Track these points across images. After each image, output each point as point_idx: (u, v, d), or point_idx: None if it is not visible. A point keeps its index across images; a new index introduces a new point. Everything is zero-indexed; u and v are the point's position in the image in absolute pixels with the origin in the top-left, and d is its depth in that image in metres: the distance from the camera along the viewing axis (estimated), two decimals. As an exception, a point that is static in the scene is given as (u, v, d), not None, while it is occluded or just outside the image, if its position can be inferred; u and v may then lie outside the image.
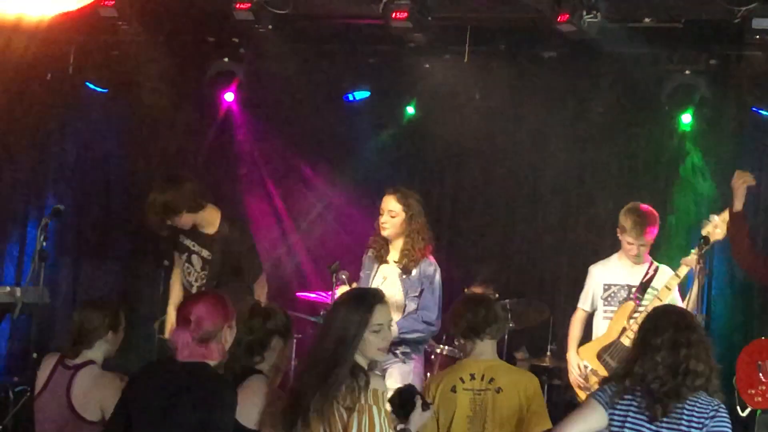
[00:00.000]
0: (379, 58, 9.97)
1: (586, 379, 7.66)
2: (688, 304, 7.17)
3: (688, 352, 4.79)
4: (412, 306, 7.33)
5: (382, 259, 7.51)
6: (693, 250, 7.32)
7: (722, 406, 4.80)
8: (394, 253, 7.48)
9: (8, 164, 10.98)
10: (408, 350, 7.34)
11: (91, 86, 10.60)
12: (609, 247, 8.98)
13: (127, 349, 6.20)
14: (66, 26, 9.03)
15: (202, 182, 7.94)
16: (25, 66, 9.85)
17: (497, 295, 8.89)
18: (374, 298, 5.01)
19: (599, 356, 7.62)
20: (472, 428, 5.75)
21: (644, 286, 7.55)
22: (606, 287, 7.75)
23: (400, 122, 10.39)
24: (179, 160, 10.46)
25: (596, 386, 7.47)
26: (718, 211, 7.40)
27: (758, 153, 9.41)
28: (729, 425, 4.78)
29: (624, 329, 7.48)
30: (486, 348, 5.91)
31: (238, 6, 8.24)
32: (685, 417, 4.73)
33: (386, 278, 7.45)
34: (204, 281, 7.83)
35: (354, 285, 7.48)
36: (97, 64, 10.40)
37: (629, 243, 7.65)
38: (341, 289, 7.39)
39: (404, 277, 7.38)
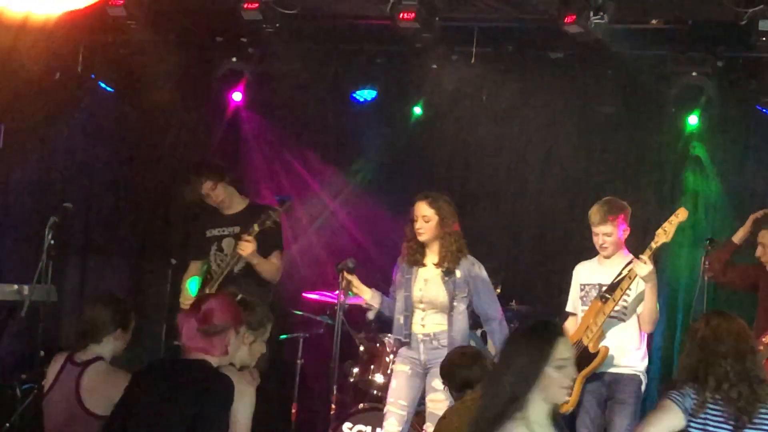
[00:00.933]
0: (387, 58, 9.98)
1: None
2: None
3: (753, 359, 4.88)
4: (462, 307, 7.45)
5: (419, 263, 7.57)
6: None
7: None
8: (431, 255, 7.56)
9: (17, 162, 11.01)
10: None
11: (101, 85, 10.61)
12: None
13: (133, 346, 6.21)
14: (75, 25, 9.06)
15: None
16: (34, 65, 9.87)
17: (499, 290, 8.92)
18: (556, 329, 4.48)
19: None
20: None
21: (613, 286, 7.43)
22: (581, 287, 7.67)
23: (407, 122, 10.39)
24: (187, 159, 10.46)
25: None
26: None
27: (764, 154, 9.42)
28: None
29: (587, 328, 7.41)
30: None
31: (246, 6, 8.26)
32: (765, 424, 4.81)
33: (427, 281, 7.54)
34: (238, 260, 8.01)
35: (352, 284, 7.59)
36: (106, 63, 10.43)
37: (594, 234, 7.53)
38: (353, 280, 7.53)
39: (447, 278, 7.48)
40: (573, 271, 7.82)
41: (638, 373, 7.34)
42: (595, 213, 7.49)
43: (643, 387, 7.36)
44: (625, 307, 7.42)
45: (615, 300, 7.27)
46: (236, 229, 8.03)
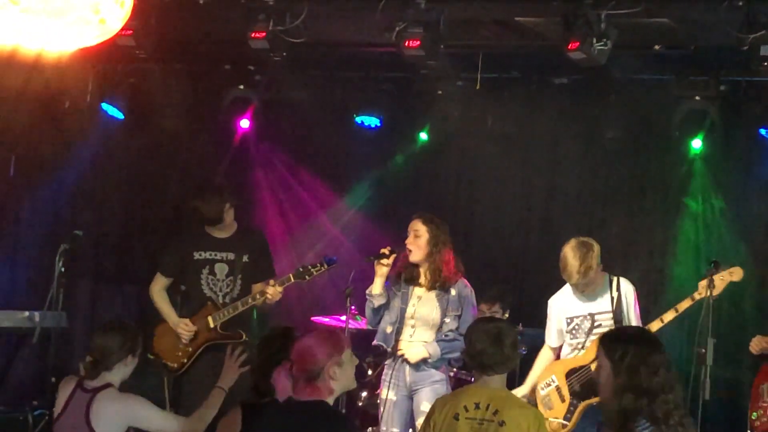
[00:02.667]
0: (393, 84, 10.04)
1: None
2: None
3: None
4: (454, 324, 7.50)
5: (414, 281, 7.66)
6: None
7: None
8: (423, 275, 7.65)
9: (28, 191, 11.08)
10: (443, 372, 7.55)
11: (109, 113, 10.68)
12: (620, 270, 9.01)
13: (140, 372, 6.22)
14: (84, 55, 9.11)
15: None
16: (44, 96, 9.94)
17: (506, 315, 8.95)
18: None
19: (567, 375, 7.62)
20: None
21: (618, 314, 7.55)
22: (569, 321, 7.72)
23: (413, 148, 10.44)
24: (195, 186, 10.50)
25: (552, 402, 7.57)
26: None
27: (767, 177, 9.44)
28: None
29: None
30: (494, 379, 5.81)
31: (253, 35, 8.27)
32: None
33: (420, 298, 7.63)
34: (232, 287, 7.96)
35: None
36: (115, 91, 10.50)
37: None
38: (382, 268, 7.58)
39: (442, 296, 7.58)
40: (549, 304, 7.91)
41: None
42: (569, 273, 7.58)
43: None
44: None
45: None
46: (230, 255, 7.96)
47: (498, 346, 5.73)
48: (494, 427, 5.60)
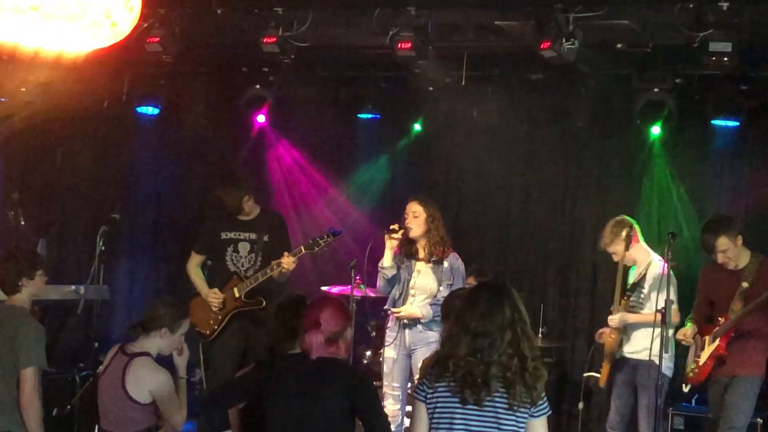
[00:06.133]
0: (389, 82, 10.03)
1: None
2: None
3: None
4: (446, 291, 7.49)
5: (414, 256, 7.72)
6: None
7: None
8: (421, 249, 7.71)
9: (72, 180, 11.13)
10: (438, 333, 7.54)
11: (142, 111, 10.70)
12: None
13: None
14: (118, 61, 9.15)
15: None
16: (85, 97, 9.98)
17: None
18: None
19: None
20: None
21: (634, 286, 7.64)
22: None
23: (408, 138, 10.45)
24: (219, 173, 10.53)
25: None
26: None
27: (718, 159, 9.44)
28: None
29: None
30: None
31: (265, 40, 8.29)
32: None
33: (420, 271, 7.71)
34: (253, 263, 8.01)
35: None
36: (147, 92, 10.52)
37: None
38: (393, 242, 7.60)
39: (437, 268, 7.64)
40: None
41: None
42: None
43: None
44: (641, 299, 7.59)
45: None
46: (252, 235, 8.02)
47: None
48: None
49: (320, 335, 4.97)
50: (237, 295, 7.95)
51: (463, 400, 4.29)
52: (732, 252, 7.10)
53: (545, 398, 4.35)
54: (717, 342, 7.17)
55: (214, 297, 7.99)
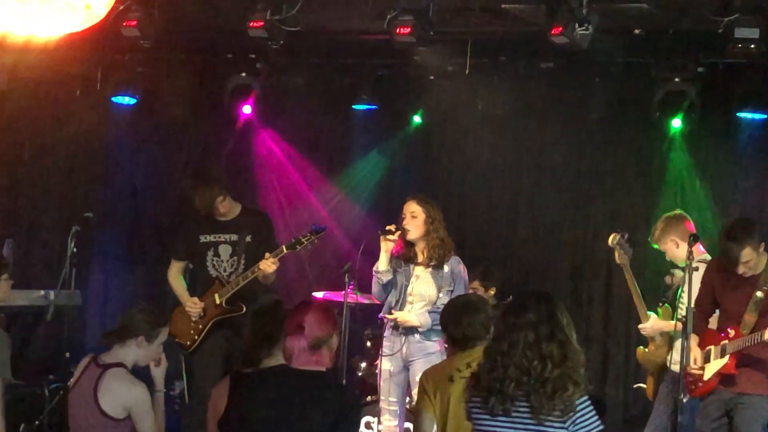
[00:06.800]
0: (387, 70, 10.02)
1: None
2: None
3: None
4: (446, 299, 7.43)
5: (412, 260, 7.67)
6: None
7: None
8: (419, 252, 7.65)
9: (42, 175, 11.09)
10: (437, 344, 7.51)
11: (118, 101, 10.66)
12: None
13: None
14: (93, 46, 9.11)
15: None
16: (56, 85, 9.94)
17: (493, 291, 8.95)
18: None
19: None
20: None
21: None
22: None
23: (407, 131, 10.43)
24: (202, 169, 10.49)
25: None
26: None
27: (744, 155, 9.42)
28: None
29: None
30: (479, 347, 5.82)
31: (251, 24, 8.26)
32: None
33: (418, 277, 7.65)
34: (236, 267, 7.96)
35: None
36: (123, 80, 10.48)
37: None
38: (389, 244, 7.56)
39: (436, 273, 7.58)
40: None
41: None
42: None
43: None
44: (681, 307, 7.52)
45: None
46: (233, 237, 7.95)
47: (480, 317, 5.69)
48: None
49: (303, 340, 4.87)
50: (218, 301, 7.91)
51: (492, 412, 4.38)
52: (754, 262, 7.06)
53: (587, 412, 4.37)
54: (726, 359, 7.11)
55: (192, 306, 7.94)
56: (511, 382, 4.33)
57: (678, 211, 7.78)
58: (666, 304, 7.73)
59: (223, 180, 8.10)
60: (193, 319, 7.97)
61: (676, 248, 7.63)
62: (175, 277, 8.19)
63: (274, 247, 7.94)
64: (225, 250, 7.98)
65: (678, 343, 7.48)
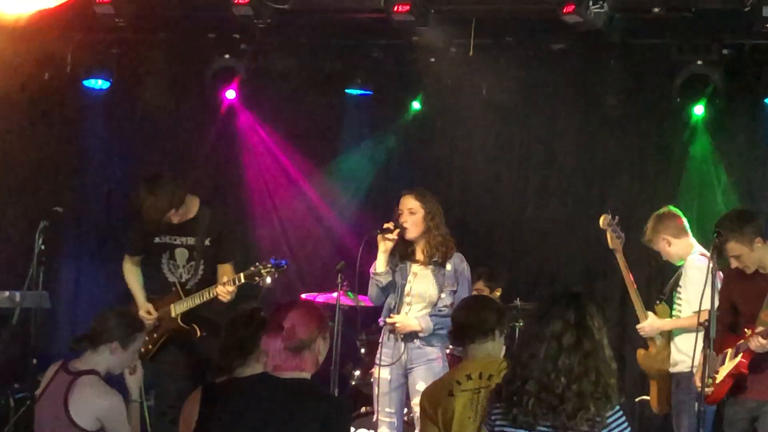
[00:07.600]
0: (383, 52, 10.02)
1: None
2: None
3: None
4: (449, 300, 7.50)
5: (410, 257, 7.68)
6: None
7: None
8: (419, 251, 7.65)
9: (6, 165, 11.07)
10: (439, 350, 7.55)
11: (90, 85, 10.67)
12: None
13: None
14: (63, 25, 9.11)
15: (178, 174, 8.24)
16: (22, 67, 9.93)
17: (498, 293, 8.98)
18: None
19: None
20: (471, 426, 5.75)
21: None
22: None
23: (405, 118, 10.44)
24: (181, 160, 10.51)
25: None
26: None
27: (771, 143, 9.49)
28: None
29: None
30: (480, 348, 5.88)
31: (236, 1, 8.29)
32: None
33: (417, 275, 7.65)
34: (193, 273, 7.93)
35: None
36: (96, 62, 10.47)
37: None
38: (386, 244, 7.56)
39: (438, 272, 7.59)
40: None
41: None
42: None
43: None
44: (679, 305, 7.65)
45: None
46: (189, 240, 7.87)
47: (469, 310, 5.89)
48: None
49: (279, 341, 4.81)
50: (173, 314, 7.89)
51: (515, 424, 4.35)
52: (748, 257, 7.08)
53: (618, 426, 4.34)
54: (739, 357, 7.15)
55: (146, 316, 7.87)
56: (530, 398, 4.29)
57: (669, 208, 7.83)
58: (663, 302, 7.75)
59: (177, 192, 7.82)
60: (147, 327, 7.93)
61: (668, 246, 7.70)
62: (131, 273, 8.16)
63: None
64: (181, 255, 7.93)
65: (678, 344, 7.57)
